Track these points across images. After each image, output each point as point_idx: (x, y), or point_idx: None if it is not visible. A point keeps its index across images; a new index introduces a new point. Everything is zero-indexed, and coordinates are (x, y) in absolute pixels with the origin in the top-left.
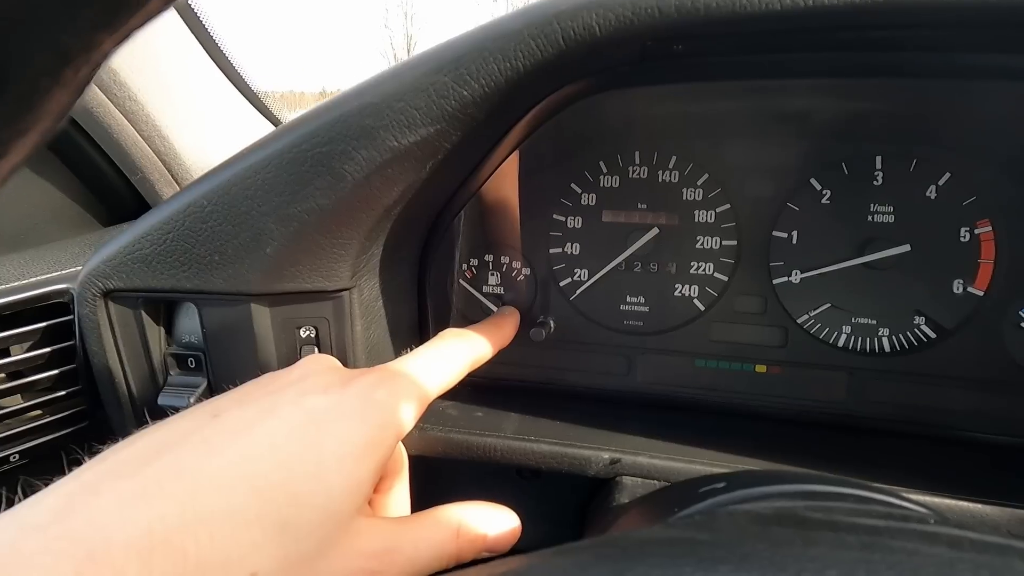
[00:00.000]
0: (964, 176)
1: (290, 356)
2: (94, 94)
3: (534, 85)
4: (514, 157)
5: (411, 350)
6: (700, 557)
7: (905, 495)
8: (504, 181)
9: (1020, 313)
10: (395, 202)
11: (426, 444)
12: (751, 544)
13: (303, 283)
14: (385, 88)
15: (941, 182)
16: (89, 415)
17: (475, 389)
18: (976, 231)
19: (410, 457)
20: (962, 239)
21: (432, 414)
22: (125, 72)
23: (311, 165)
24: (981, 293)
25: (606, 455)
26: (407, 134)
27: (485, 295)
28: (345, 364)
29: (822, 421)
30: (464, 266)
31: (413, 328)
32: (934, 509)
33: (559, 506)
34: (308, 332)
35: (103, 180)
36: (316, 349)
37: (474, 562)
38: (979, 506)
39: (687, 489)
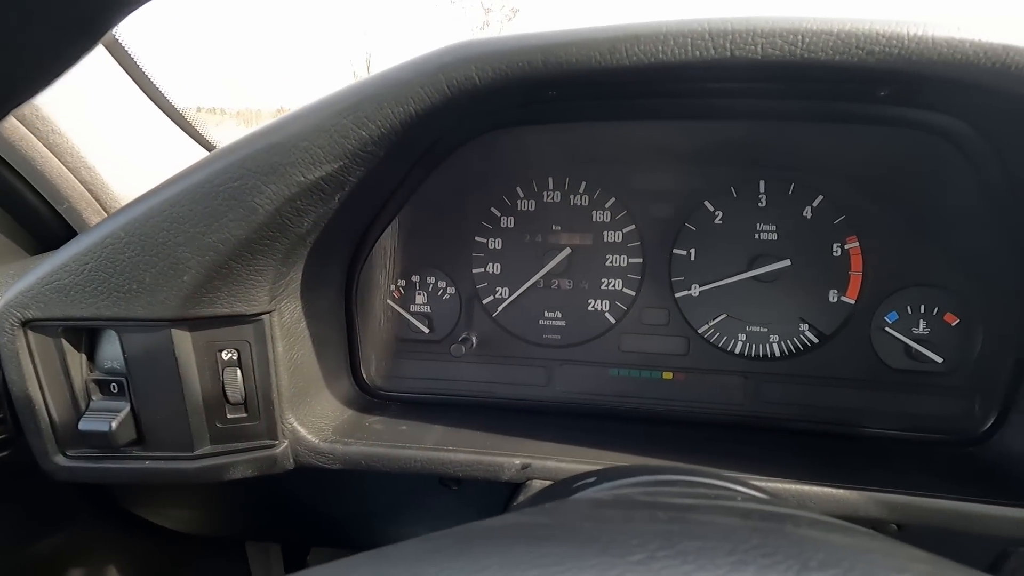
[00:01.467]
0: (834, 198)
1: (213, 378)
2: (15, 128)
3: (428, 126)
4: (428, 187)
5: (341, 369)
6: (533, 536)
7: (751, 481)
8: (422, 209)
9: (885, 319)
10: (308, 231)
11: (349, 458)
12: (579, 522)
13: (222, 308)
14: (291, 129)
15: (815, 203)
16: (11, 442)
17: (404, 405)
18: (846, 246)
19: (336, 472)
20: (835, 254)
21: (359, 429)
22: (48, 107)
23: (224, 199)
24: (853, 301)
25: (518, 461)
26: (312, 170)
27: (412, 314)
28: (267, 383)
29: (722, 421)
30: (392, 287)
31: (341, 347)
32: (803, 495)
33: (485, 512)
34: (230, 355)
35: (29, 211)
36: (239, 371)
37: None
38: (840, 491)
39: (566, 484)
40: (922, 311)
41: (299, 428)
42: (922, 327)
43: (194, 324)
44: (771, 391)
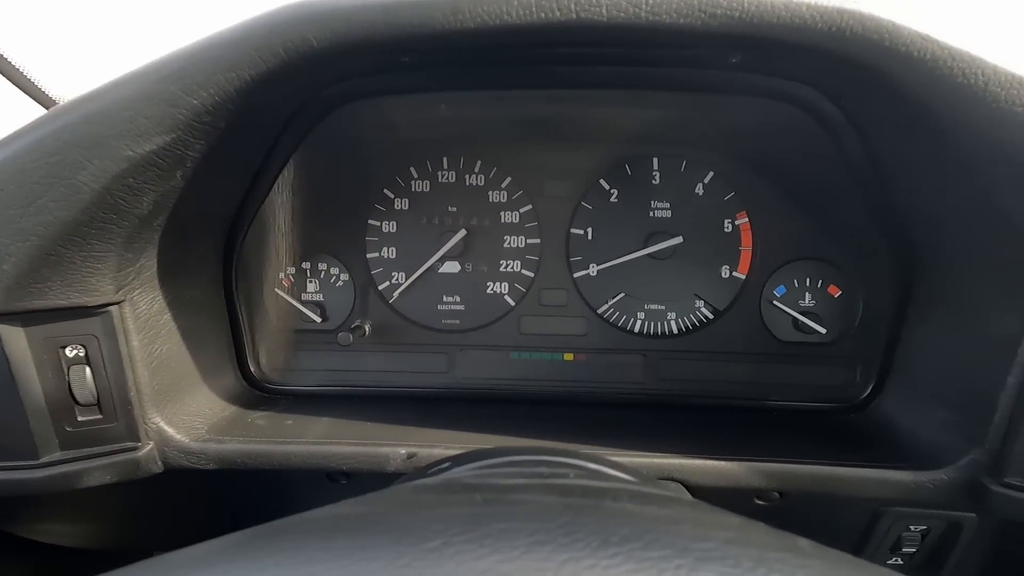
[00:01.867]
0: (725, 174)
1: (57, 378)
2: None
3: (272, 95)
4: (299, 166)
5: (224, 363)
6: (332, 529)
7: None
8: (305, 192)
9: (774, 292)
10: (151, 212)
11: (224, 458)
12: (390, 510)
13: (56, 299)
14: (112, 96)
15: (707, 180)
16: None
17: (296, 399)
18: (736, 222)
19: (216, 472)
20: (726, 229)
21: (239, 426)
22: None
23: (41, 176)
24: (743, 276)
25: (403, 451)
26: (141, 143)
27: (304, 303)
28: (122, 380)
29: (623, 401)
30: (281, 275)
31: (223, 340)
32: (687, 468)
33: None
34: (76, 351)
35: None
36: (87, 368)
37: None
38: (723, 463)
39: (421, 472)
40: (807, 284)
41: (166, 428)
42: (808, 300)
43: (27, 318)
44: (669, 368)
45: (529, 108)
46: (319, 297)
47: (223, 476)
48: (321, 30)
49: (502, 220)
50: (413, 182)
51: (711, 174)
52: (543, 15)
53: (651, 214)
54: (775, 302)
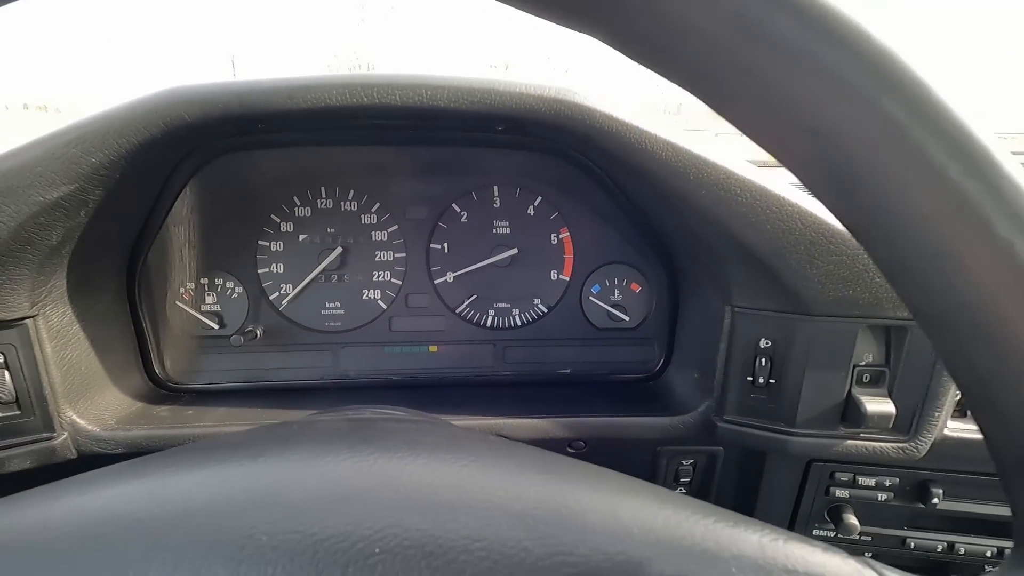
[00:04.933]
0: (550, 199)
1: None
2: None
3: (158, 153)
4: (188, 204)
5: (130, 366)
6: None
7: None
8: (197, 222)
9: (592, 290)
10: (59, 243)
11: (131, 443)
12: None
13: None
14: (26, 156)
15: (536, 203)
16: None
17: (198, 395)
18: (560, 236)
19: (125, 456)
20: (553, 242)
21: (145, 418)
22: None
23: None
24: (568, 279)
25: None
26: (50, 191)
27: (203, 313)
28: (38, 382)
29: (478, 382)
30: (182, 290)
31: (129, 347)
32: (515, 426)
33: None
34: None
35: None
36: (6, 372)
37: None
38: (539, 421)
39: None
40: (616, 283)
41: (78, 420)
42: (616, 295)
43: None
44: (514, 354)
45: (372, 156)
46: (217, 308)
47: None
48: (190, 108)
49: (373, 238)
50: (296, 208)
51: (539, 199)
52: (355, 100)
53: (494, 231)
54: (592, 298)
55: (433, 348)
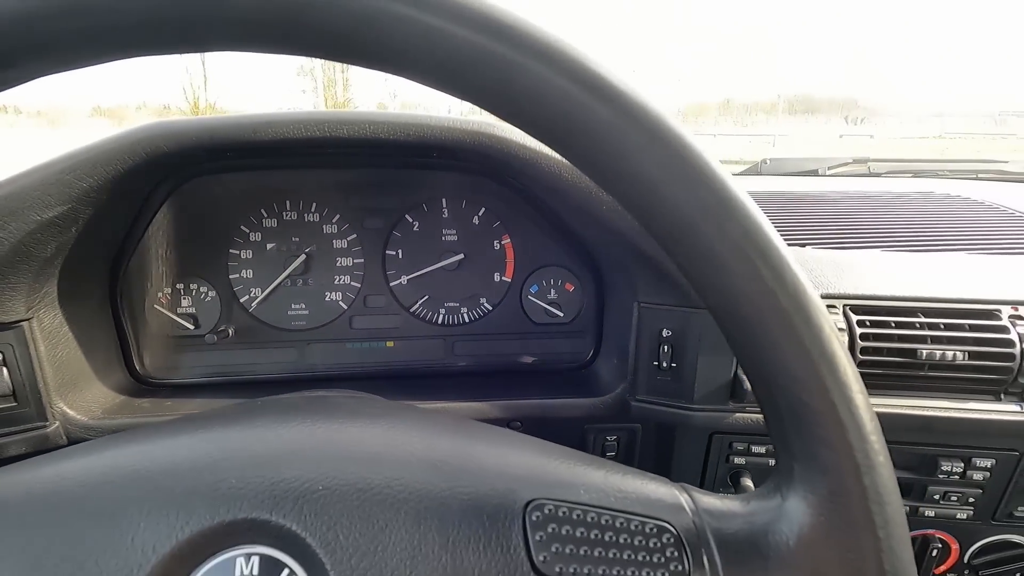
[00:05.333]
0: (493, 209)
1: None
2: None
3: (140, 177)
4: (165, 220)
5: (113, 364)
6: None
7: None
8: (173, 235)
9: (531, 290)
10: (53, 255)
11: (116, 430)
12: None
13: None
14: (24, 182)
15: (480, 213)
16: None
17: (176, 388)
18: (503, 242)
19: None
20: (496, 247)
21: (128, 408)
22: None
23: None
24: (509, 280)
25: None
26: (46, 211)
27: (180, 315)
28: (33, 378)
29: (430, 372)
30: (160, 294)
31: (112, 347)
32: (459, 409)
33: None
34: None
35: None
36: (4, 369)
37: None
38: (480, 403)
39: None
40: (552, 283)
41: (68, 411)
42: (553, 294)
43: None
44: (462, 347)
45: (331, 177)
46: (192, 310)
47: None
48: (167, 141)
49: (334, 246)
50: (263, 220)
51: (483, 210)
52: (311, 134)
53: (443, 238)
54: (531, 297)
55: (390, 343)
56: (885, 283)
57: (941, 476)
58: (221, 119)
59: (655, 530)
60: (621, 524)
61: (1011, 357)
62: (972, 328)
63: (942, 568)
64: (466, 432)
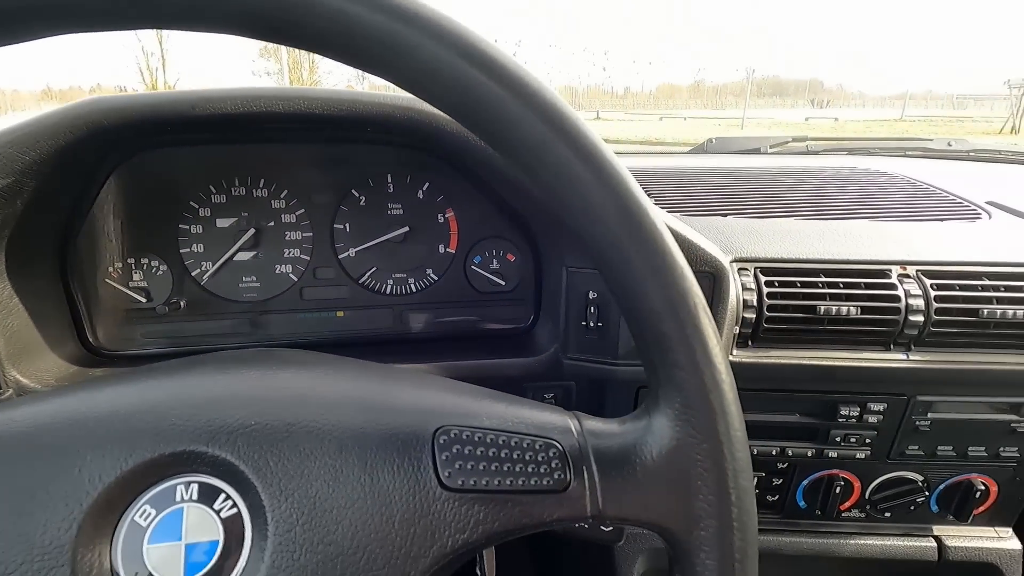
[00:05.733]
0: (437, 184)
1: None
2: None
3: (83, 151)
4: (111, 194)
5: (66, 336)
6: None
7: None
8: (123, 209)
9: (474, 260)
10: None
11: None
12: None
13: None
14: None
15: (425, 188)
16: None
17: (130, 360)
18: (447, 215)
19: None
20: (440, 221)
21: (81, 377)
22: None
23: None
24: (454, 251)
25: None
26: None
27: (132, 289)
28: None
29: (379, 340)
30: (111, 269)
31: (64, 318)
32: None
33: None
34: None
35: None
36: None
37: None
38: (425, 366)
39: None
40: (494, 254)
41: (22, 379)
42: (495, 264)
43: None
44: (410, 316)
45: (277, 152)
46: (143, 284)
47: None
48: (108, 115)
49: (283, 220)
50: (212, 196)
51: (428, 184)
52: (248, 109)
53: (389, 212)
54: (474, 267)
55: (340, 313)
56: (793, 247)
57: (840, 420)
58: (162, 95)
59: (543, 446)
60: (515, 443)
61: (897, 311)
62: (866, 286)
63: (847, 504)
64: (389, 375)
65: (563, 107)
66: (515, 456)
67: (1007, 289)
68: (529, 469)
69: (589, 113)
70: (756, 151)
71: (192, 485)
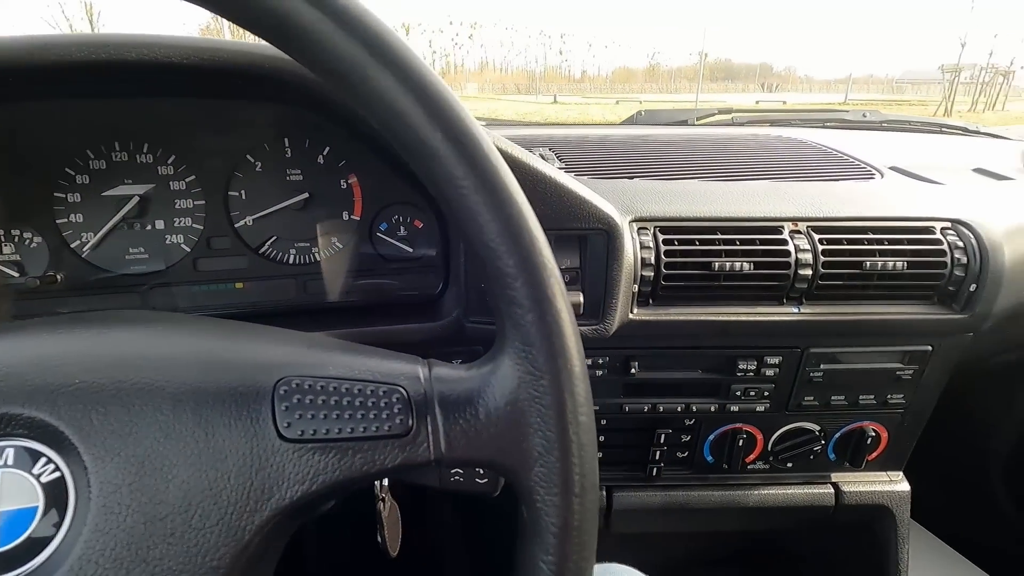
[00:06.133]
0: (338, 149)
1: None
2: None
3: None
4: None
5: None
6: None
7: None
8: None
9: (380, 227)
10: None
11: None
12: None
13: None
14: None
15: (325, 152)
16: None
17: None
18: (349, 181)
19: None
20: (343, 187)
21: None
22: None
23: None
24: (358, 218)
25: None
26: None
27: (2, 263)
28: None
29: (282, 311)
30: None
31: None
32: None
33: None
34: None
35: None
36: None
37: None
38: (337, 333)
39: None
40: (401, 220)
41: None
42: (402, 231)
43: None
44: (314, 286)
45: (150, 109)
46: (16, 257)
47: None
48: None
49: (171, 188)
50: (91, 161)
51: (328, 148)
52: (95, 57)
53: (288, 178)
54: (380, 234)
55: (239, 285)
56: (694, 206)
57: (739, 374)
58: None
59: (387, 392)
60: (359, 390)
61: (787, 266)
62: (760, 243)
63: (752, 456)
64: (238, 330)
65: (388, 33)
66: (357, 403)
67: (890, 243)
68: (372, 415)
69: (546, 97)
70: (683, 123)
71: (7, 451)
